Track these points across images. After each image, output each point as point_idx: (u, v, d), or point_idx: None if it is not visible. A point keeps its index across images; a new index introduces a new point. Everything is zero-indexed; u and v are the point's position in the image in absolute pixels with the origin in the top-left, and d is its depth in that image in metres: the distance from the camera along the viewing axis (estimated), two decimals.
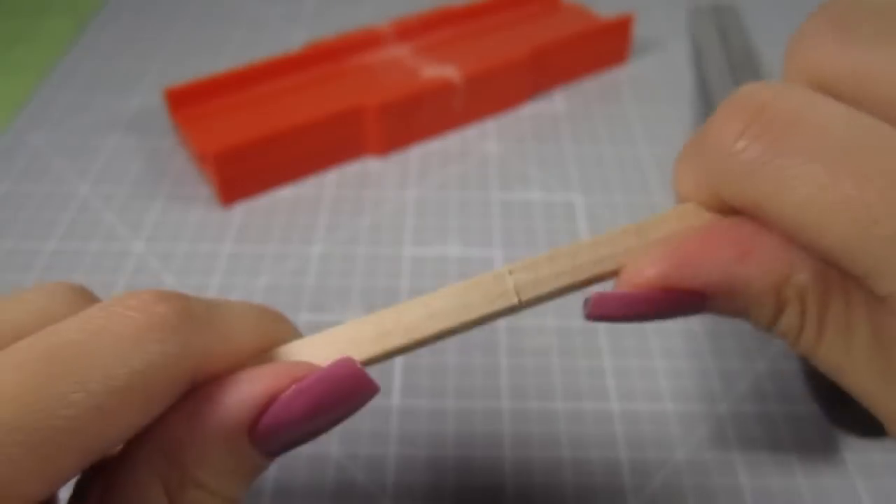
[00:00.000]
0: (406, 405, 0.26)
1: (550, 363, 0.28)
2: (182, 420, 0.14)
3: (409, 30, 0.42)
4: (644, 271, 0.15)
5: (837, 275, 0.14)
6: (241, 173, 0.34)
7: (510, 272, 0.16)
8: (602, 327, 0.29)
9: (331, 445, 0.25)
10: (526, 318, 0.29)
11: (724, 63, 0.42)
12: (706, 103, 0.41)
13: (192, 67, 0.43)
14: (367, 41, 0.41)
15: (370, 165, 0.37)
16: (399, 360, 0.28)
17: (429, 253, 0.32)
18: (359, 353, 0.15)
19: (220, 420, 0.14)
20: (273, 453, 0.15)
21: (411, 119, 0.37)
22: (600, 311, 0.16)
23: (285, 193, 0.35)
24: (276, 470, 0.24)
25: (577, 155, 0.38)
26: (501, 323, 0.29)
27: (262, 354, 0.16)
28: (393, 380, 0.27)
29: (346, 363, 0.15)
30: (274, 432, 0.14)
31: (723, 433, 0.26)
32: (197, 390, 0.14)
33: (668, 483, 0.24)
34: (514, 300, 0.16)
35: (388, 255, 0.32)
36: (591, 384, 0.27)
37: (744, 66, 0.41)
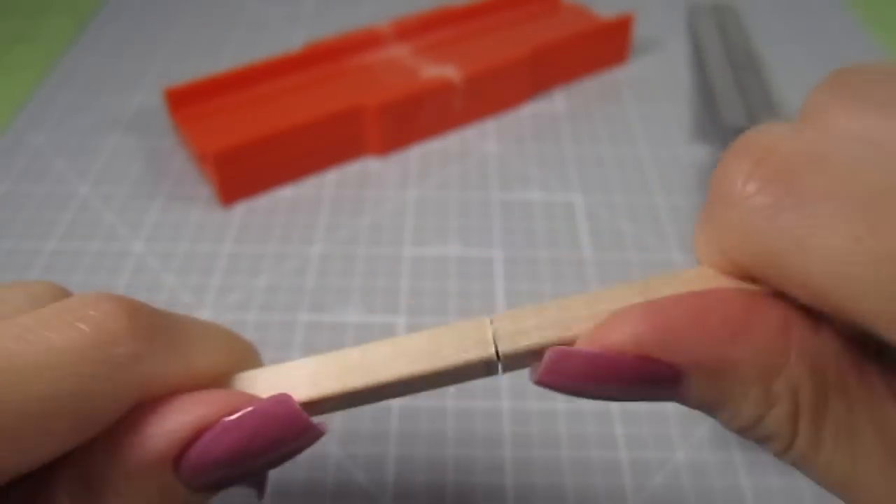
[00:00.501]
0: (406, 405, 0.26)
1: None
2: (104, 445, 0.13)
3: (409, 30, 0.42)
4: (617, 328, 0.13)
5: (837, 369, 0.12)
6: (241, 173, 0.34)
7: (491, 321, 0.14)
8: None
9: (331, 445, 0.25)
10: None
11: (724, 63, 0.42)
12: (706, 103, 0.41)
13: (192, 67, 0.43)
14: (367, 41, 0.41)
15: (370, 165, 0.37)
16: None
17: (429, 253, 0.32)
18: (316, 389, 0.14)
19: (143, 451, 0.13)
20: (205, 489, 0.13)
21: (411, 119, 0.37)
22: (551, 376, 0.13)
23: (285, 193, 0.35)
24: (276, 470, 0.24)
25: (577, 155, 0.38)
26: None
27: (217, 381, 0.15)
28: None
29: (282, 400, 0.13)
30: (200, 469, 0.13)
31: (723, 433, 0.26)
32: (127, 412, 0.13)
33: (668, 483, 0.24)
34: (491, 350, 0.14)
35: (388, 255, 0.32)
36: None
37: (744, 66, 0.41)
